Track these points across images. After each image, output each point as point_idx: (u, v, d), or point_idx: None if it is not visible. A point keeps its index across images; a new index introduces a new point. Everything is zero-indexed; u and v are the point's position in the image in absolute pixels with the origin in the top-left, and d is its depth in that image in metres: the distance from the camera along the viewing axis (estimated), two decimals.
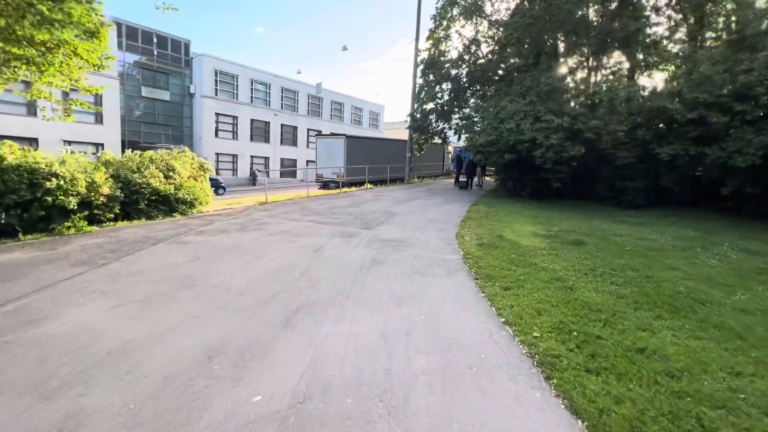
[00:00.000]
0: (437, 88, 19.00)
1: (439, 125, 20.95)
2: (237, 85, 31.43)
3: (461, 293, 4.32)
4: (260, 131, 33.76)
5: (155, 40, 27.75)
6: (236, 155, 31.94)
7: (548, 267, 5.24)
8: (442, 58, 19.40)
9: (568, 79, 14.45)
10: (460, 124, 20.42)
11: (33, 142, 21.68)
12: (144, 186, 8.43)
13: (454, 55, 19.56)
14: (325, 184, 18.94)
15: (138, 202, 8.40)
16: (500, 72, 18.93)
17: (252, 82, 32.42)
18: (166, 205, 9.06)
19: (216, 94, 30.02)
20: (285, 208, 10.64)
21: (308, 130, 37.72)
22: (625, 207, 11.85)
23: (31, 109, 21.71)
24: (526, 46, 16.59)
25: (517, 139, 12.10)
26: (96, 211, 7.55)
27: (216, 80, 29.97)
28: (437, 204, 12.29)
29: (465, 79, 19.24)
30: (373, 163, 19.30)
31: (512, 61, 18.73)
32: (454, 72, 19.62)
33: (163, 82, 28.95)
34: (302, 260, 5.45)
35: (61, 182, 6.82)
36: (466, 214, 10.10)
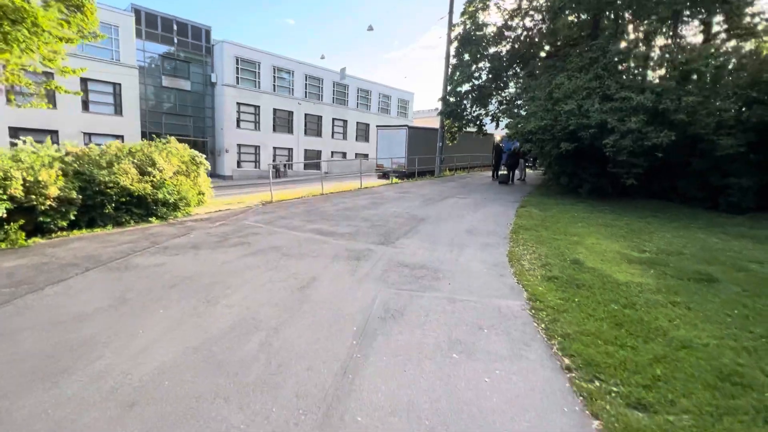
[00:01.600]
0: (473, 67, 16.45)
1: (474, 111, 18.43)
2: (259, 72, 30.02)
3: (552, 422, 2.19)
4: (283, 121, 32.33)
5: (175, 27, 26.71)
6: (258, 146, 30.71)
7: (689, 339, 2.98)
8: (479, 33, 16.79)
9: (642, 47, 11.51)
10: (500, 108, 17.84)
11: (54, 134, 21.20)
12: (111, 185, 6.80)
13: (492, 30, 16.90)
14: (384, 174, 19.13)
15: (104, 205, 6.79)
16: (547, 48, 16.11)
17: (275, 69, 30.92)
18: (141, 207, 7.42)
19: (237, 83, 28.76)
20: (289, 211, 8.80)
21: (333, 119, 35.95)
22: (727, 211, 9.08)
23: (51, 100, 21.20)
24: (581, 15, 13.77)
25: (580, 124, 9.56)
26: (43, 219, 5.97)
27: (237, 68, 28.67)
28: (475, 204, 10.03)
29: (505, 57, 16.57)
30: (431, 153, 19.17)
31: (564, 33, 15.86)
32: (492, 50, 16.98)
33: (184, 71, 27.98)
34: (275, 310, 3.50)
35: None
36: (515, 221, 7.82)
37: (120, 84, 23.25)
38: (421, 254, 5.38)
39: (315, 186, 13.97)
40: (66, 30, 8.86)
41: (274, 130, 31.66)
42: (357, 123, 38.17)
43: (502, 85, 17.61)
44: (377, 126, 22.65)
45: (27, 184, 5.70)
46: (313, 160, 34.39)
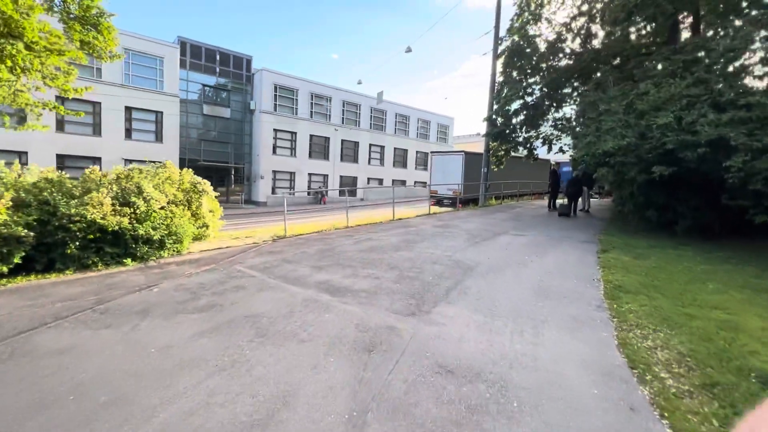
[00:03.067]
0: (524, 83, 14.44)
1: (523, 132, 16.26)
2: (296, 99, 29.92)
3: None
4: (319, 147, 31.79)
5: (218, 57, 27.35)
6: (294, 172, 30.18)
7: None
8: (530, 47, 14.88)
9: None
10: (555, 128, 15.54)
11: (96, 161, 21.67)
12: (76, 218, 5.46)
13: (544, 44, 14.95)
14: (438, 201, 19.16)
15: (65, 243, 5.44)
16: (614, 62, 13.82)
17: (312, 96, 30.74)
18: (118, 245, 6.03)
19: (275, 110, 28.72)
20: (300, 251, 7.09)
21: (370, 145, 35.02)
22: None
23: (96, 129, 21.86)
24: (652, 21, 11.48)
25: (681, 141, 7.18)
26: None
27: (275, 95, 28.72)
28: (537, 245, 7.78)
29: (562, 70, 14.44)
30: (478, 179, 18.13)
31: (631, 40, 13.56)
32: (545, 65, 14.95)
33: (224, 99, 28.41)
34: None
35: None
36: (603, 275, 5.53)
37: (162, 112, 23.69)
38: (473, 340, 3.33)
39: (341, 216, 12.30)
40: (69, 45, 8.12)
41: (310, 156, 31.13)
42: (394, 149, 36.99)
43: (556, 104, 15.40)
44: (432, 152, 22.11)
45: None
46: (348, 186, 33.36)
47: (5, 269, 4.85)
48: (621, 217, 12.34)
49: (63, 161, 20.71)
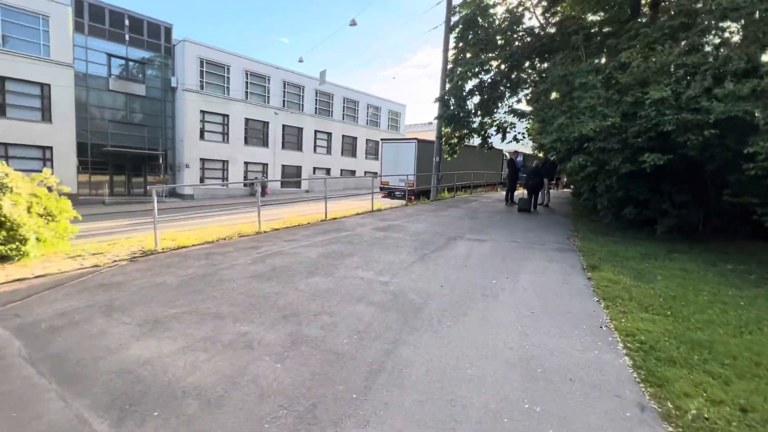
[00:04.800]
0: (480, 58, 12.58)
1: (478, 118, 14.58)
2: (228, 77, 26.14)
3: None
4: (257, 132, 28.32)
5: (127, 23, 22.81)
6: (227, 161, 26.54)
7: None
8: (487, 17, 13.06)
9: None
10: (514, 112, 13.98)
11: None
12: None
13: (499, 16, 13.23)
14: (390, 193, 17.14)
15: None
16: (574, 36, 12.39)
17: (247, 74, 27.07)
18: None
19: (202, 88, 24.81)
20: (159, 279, 4.54)
21: (315, 132, 32.07)
22: None
23: None
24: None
25: (684, 121, 5.56)
26: None
27: (202, 71, 24.77)
28: (502, 258, 5.88)
29: (520, 47, 12.78)
30: (429, 170, 16.41)
31: (591, 19, 12.27)
32: (501, 40, 13.22)
33: (138, 73, 23.99)
34: None
35: None
36: (608, 316, 3.67)
37: (49, 85, 19.12)
38: None
39: (272, 211, 9.65)
40: None
41: (246, 142, 27.61)
42: (343, 136, 34.35)
43: (512, 87, 13.79)
44: (382, 139, 19.87)
45: None
46: (292, 176, 30.32)
47: None
48: (586, 212, 10.99)
49: None
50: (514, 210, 11.73)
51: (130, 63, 23.55)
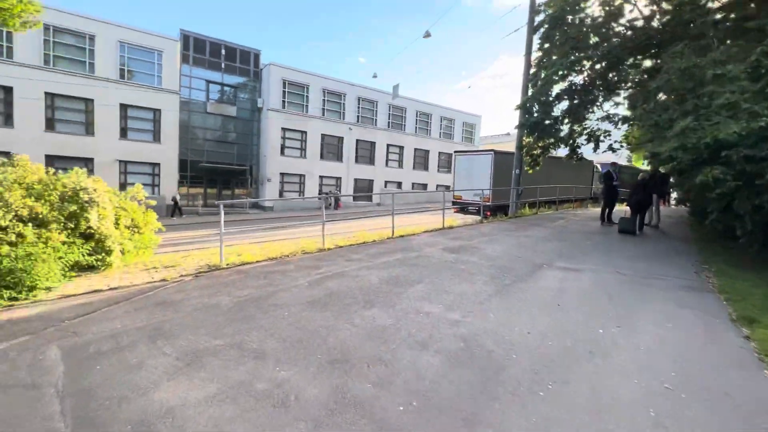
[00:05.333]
0: (572, 56, 11.10)
1: (564, 126, 12.94)
2: (307, 96, 27.60)
3: None
4: (332, 147, 29.33)
5: (223, 52, 25.46)
6: (304, 175, 27.86)
7: None
8: (575, 17, 11.54)
9: None
10: (610, 118, 12.15)
11: (89, 162, 20.12)
12: None
13: (594, 11, 11.60)
14: (463, 208, 16.26)
15: None
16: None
17: (324, 92, 28.32)
18: None
19: (284, 107, 26.51)
20: (214, 300, 4.33)
21: (388, 145, 32.22)
22: None
23: (89, 128, 20.30)
24: None
25: None
26: None
27: (284, 91, 26.51)
28: (608, 297, 4.64)
29: (619, 43, 10.99)
30: (507, 184, 14.97)
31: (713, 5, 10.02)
32: (595, 38, 11.55)
33: (231, 96, 26.54)
34: None
35: None
36: None
37: (160, 110, 21.94)
38: None
39: (341, 225, 9.39)
40: None
41: (322, 157, 28.73)
42: (415, 149, 34.02)
43: (614, 81, 11.90)
44: (455, 151, 18.60)
45: None
46: (364, 189, 30.72)
47: None
48: (713, 236, 8.81)
49: (53, 162, 19.15)
50: (613, 231, 9.94)
51: (225, 87, 26.14)
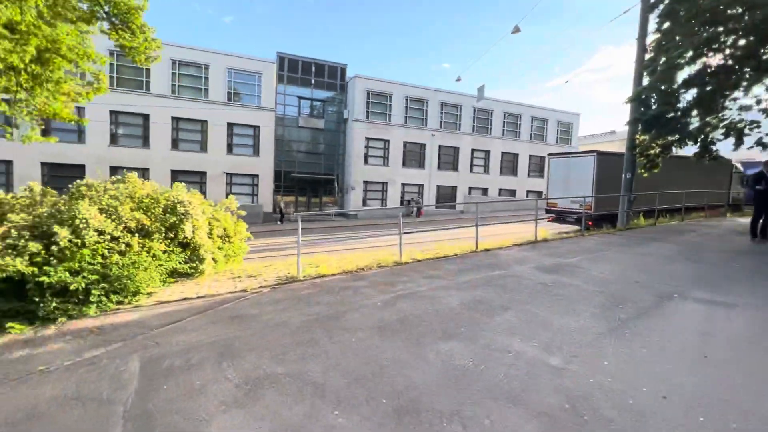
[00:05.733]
0: (701, 34, 8.99)
1: (693, 119, 10.57)
2: (390, 105, 27.93)
3: None
4: (414, 155, 29.15)
5: (313, 69, 27.22)
6: (386, 183, 28.16)
7: None
8: None
9: None
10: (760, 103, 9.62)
11: (203, 175, 23.12)
12: None
13: None
14: (558, 217, 14.38)
15: None
16: None
17: (407, 100, 28.35)
18: (21, 298, 4.11)
19: (367, 117, 27.22)
20: (285, 316, 4.21)
21: (472, 150, 30.89)
22: None
23: (203, 145, 23.31)
24: None
25: None
26: None
27: (368, 102, 27.22)
28: None
29: None
30: (615, 190, 12.92)
31: None
32: (738, 8, 9.18)
33: (319, 109, 28.19)
34: None
35: None
36: None
37: (259, 126, 24.24)
38: None
39: (421, 235, 8.97)
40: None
41: (404, 164, 28.73)
42: (502, 153, 32.03)
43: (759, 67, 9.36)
44: (549, 154, 16.51)
45: None
46: (447, 197, 29.85)
47: None
48: None
49: (177, 176, 22.40)
50: (761, 247, 7.67)
51: (314, 102, 27.88)
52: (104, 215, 4.86)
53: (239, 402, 2.61)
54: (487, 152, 31.54)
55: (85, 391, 2.78)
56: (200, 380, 2.90)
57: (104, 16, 7.94)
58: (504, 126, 32.08)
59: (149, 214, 5.52)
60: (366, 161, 27.46)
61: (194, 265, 6.03)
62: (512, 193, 32.56)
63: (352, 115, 26.94)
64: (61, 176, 19.16)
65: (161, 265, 5.40)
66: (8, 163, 18.94)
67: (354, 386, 2.77)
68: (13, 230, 4.16)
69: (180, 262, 5.75)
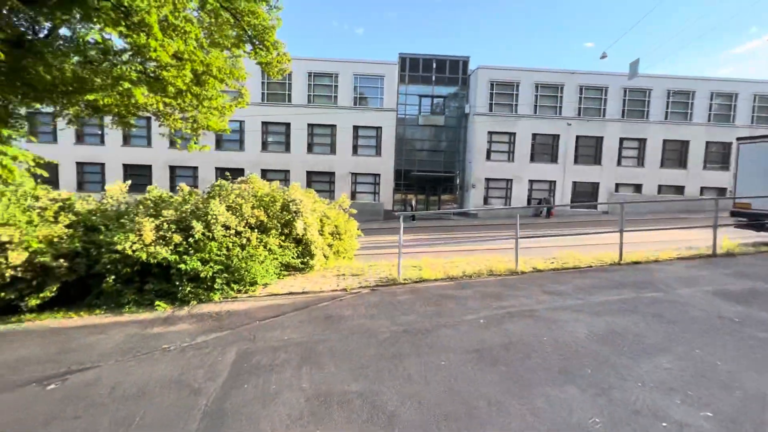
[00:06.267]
0: None
1: None
2: (517, 95, 25.54)
3: None
4: (545, 148, 26.05)
5: (434, 65, 26.92)
6: (510, 180, 25.95)
7: None
8: None
9: None
10: None
11: (331, 175, 25.33)
12: (106, 249, 4.58)
13: None
14: (754, 222, 10.19)
15: (97, 277, 4.66)
16: None
17: (537, 87, 25.48)
18: (168, 281, 4.88)
19: (491, 110, 25.51)
20: (370, 325, 3.95)
21: (621, 140, 25.91)
22: None
23: (333, 148, 25.49)
24: None
25: None
26: (6, 295, 4.30)
27: (491, 93, 25.48)
28: None
29: None
30: None
31: None
32: None
33: (439, 106, 27.76)
34: None
35: None
36: None
37: (381, 127, 25.22)
38: None
39: (544, 240, 7.75)
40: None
41: (532, 159, 25.96)
42: (664, 141, 25.99)
43: None
44: (739, 138, 12.30)
45: None
46: (585, 195, 25.84)
47: (34, 303, 4.34)
48: None
49: (310, 177, 25.12)
50: None
51: (435, 99, 27.58)
52: (230, 212, 5.45)
53: (304, 418, 2.40)
54: (642, 141, 26.01)
55: (185, 376, 3.00)
56: (277, 385, 2.82)
57: (248, 38, 9.13)
58: (668, 107, 25.92)
59: (268, 211, 6.00)
60: (488, 157, 25.81)
61: (305, 260, 6.35)
62: (678, 190, 26.16)
63: (474, 109, 25.64)
64: (227, 179, 23.55)
65: (276, 259, 5.81)
66: (194, 169, 24.21)
67: (431, 427, 2.26)
68: (164, 224, 5.00)
69: (293, 257, 6.11)
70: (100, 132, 23.56)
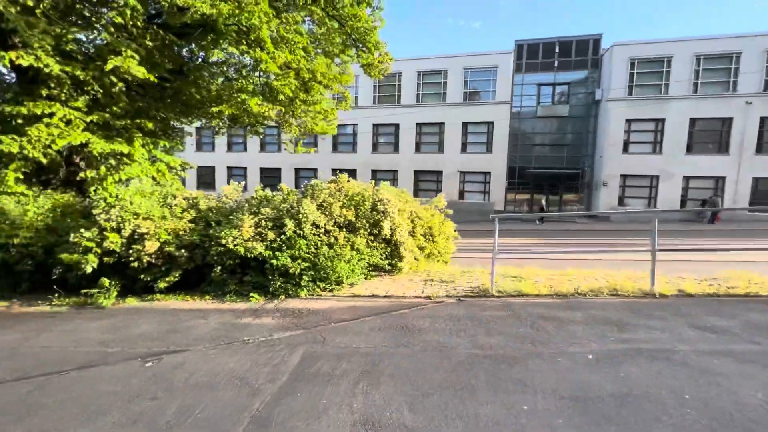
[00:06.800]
0: None
1: None
2: (667, 72, 20.85)
3: None
4: (709, 136, 20.69)
5: (557, 49, 23.94)
6: (656, 176, 21.38)
7: None
8: None
9: None
10: None
11: (439, 174, 24.89)
12: (214, 242, 5.11)
13: None
14: None
15: (211, 267, 5.23)
16: None
17: (698, 60, 20.31)
18: (264, 275, 5.24)
19: (630, 93, 21.43)
20: (451, 340, 3.45)
21: None
22: None
23: (441, 146, 24.96)
24: None
25: None
26: (144, 277, 5.16)
27: (631, 74, 21.36)
28: None
29: None
30: None
31: None
32: None
33: (564, 95, 24.58)
34: None
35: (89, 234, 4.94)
36: None
37: (492, 122, 23.63)
38: None
39: (717, 258, 5.96)
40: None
41: (689, 150, 20.90)
42: None
43: None
44: None
45: (126, 238, 5.02)
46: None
47: (164, 285, 5.12)
48: None
49: (418, 176, 25.18)
50: None
51: (557, 87, 24.55)
52: (320, 211, 5.58)
53: None
54: None
55: (250, 373, 3.04)
56: (328, 400, 2.61)
57: (352, 42, 9.40)
58: None
59: (358, 210, 5.97)
60: (626, 149, 21.77)
61: (393, 261, 6.13)
62: None
63: (607, 95, 21.90)
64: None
65: (362, 259, 5.73)
66: (314, 171, 26.65)
67: None
68: (262, 221, 5.39)
69: (380, 258, 5.96)
70: (242, 141, 27.90)
